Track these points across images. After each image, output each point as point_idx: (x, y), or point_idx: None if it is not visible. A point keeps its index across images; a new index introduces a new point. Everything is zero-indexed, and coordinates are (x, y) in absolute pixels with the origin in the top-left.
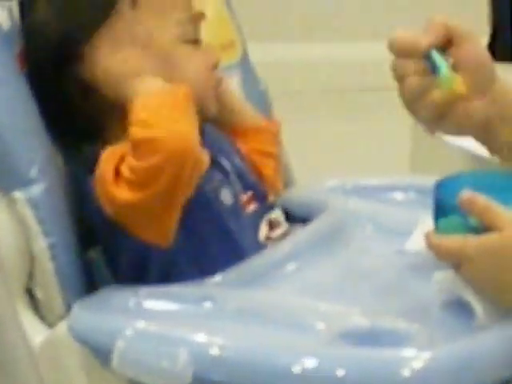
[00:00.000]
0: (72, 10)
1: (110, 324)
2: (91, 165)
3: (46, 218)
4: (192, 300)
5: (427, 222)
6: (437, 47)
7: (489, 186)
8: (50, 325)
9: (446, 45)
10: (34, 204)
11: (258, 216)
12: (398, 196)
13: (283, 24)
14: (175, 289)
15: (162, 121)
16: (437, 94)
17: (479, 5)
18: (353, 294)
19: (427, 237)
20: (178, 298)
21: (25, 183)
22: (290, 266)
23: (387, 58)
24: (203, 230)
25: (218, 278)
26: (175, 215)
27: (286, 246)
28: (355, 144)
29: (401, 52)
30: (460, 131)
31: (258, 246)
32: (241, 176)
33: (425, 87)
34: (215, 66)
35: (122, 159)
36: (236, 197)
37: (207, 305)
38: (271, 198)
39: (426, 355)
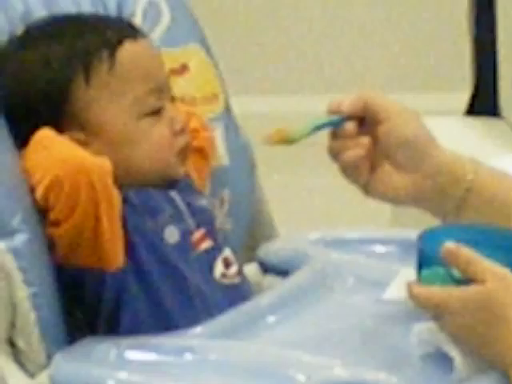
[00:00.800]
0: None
1: (91, 375)
2: None
3: (28, 268)
4: (173, 351)
5: (406, 273)
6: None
7: (472, 239)
8: (31, 375)
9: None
10: (16, 253)
11: (212, 254)
12: (379, 249)
13: (266, 77)
14: (156, 340)
15: (42, 167)
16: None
17: (461, 59)
18: (333, 346)
19: (409, 287)
20: (159, 349)
21: (7, 233)
22: (271, 318)
23: None
24: (150, 267)
25: (198, 329)
26: (108, 232)
27: (267, 298)
28: (336, 197)
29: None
30: (391, 200)
31: (214, 284)
32: (195, 213)
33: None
34: (181, 131)
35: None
36: (185, 235)
37: (188, 356)
38: (221, 237)
39: None
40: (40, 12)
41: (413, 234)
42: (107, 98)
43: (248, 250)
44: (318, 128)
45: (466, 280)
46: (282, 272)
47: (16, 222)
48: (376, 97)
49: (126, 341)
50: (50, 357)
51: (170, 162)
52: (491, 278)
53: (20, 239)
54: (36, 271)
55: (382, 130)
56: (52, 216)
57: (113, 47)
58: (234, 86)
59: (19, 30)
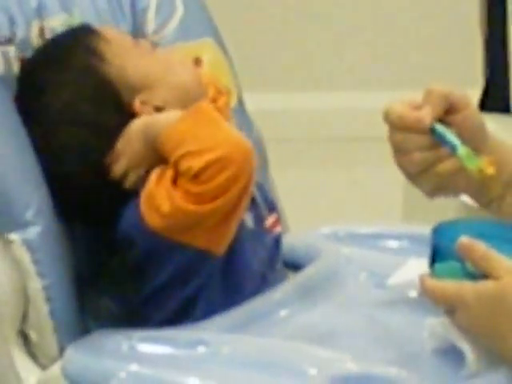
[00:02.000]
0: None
1: (103, 367)
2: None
3: (42, 260)
4: (185, 344)
5: (413, 262)
6: (438, 119)
7: (486, 233)
8: (44, 366)
9: (445, 113)
10: (29, 246)
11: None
12: (391, 244)
13: (274, 74)
14: (169, 332)
15: (210, 140)
16: (443, 167)
17: (473, 56)
18: (345, 340)
19: (422, 280)
20: (172, 342)
21: (21, 225)
22: (283, 312)
23: (377, 107)
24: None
25: (211, 322)
26: (236, 223)
27: (279, 293)
28: (349, 192)
29: (401, 127)
30: (457, 193)
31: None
32: (266, 198)
33: (430, 162)
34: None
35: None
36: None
37: (200, 349)
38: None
39: None
40: (54, 5)
41: (425, 229)
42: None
43: None
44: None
45: (481, 275)
46: (295, 266)
47: (30, 214)
48: (445, 89)
49: (138, 333)
50: (62, 349)
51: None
52: (506, 273)
53: (34, 231)
54: (49, 263)
55: (461, 118)
56: (199, 189)
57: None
58: (249, 82)
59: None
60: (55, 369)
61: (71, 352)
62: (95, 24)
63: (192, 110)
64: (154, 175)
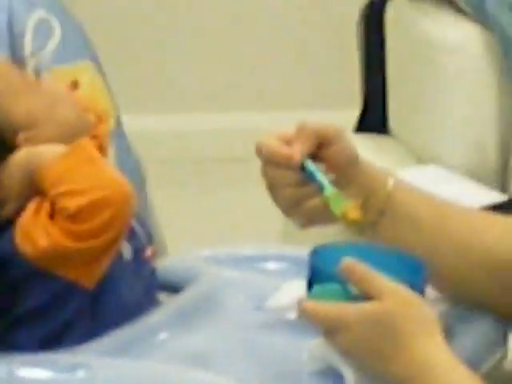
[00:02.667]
0: None
1: None
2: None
3: None
4: (65, 368)
5: (290, 284)
6: (310, 155)
7: (364, 257)
8: None
9: (318, 148)
10: None
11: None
12: (271, 266)
13: (155, 95)
14: (49, 356)
15: (89, 180)
16: (313, 203)
17: (351, 78)
18: (224, 363)
19: (300, 302)
20: (52, 366)
21: None
22: (162, 335)
23: (258, 127)
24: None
25: (91, 345)
26: (111, 259)
27: (159, 316)
28: (229, 213)
29: (273, 163)
30: (330, 223)
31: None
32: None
33: (300, 198)
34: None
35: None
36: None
37: (80, 373)
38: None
39: None
40: None
41: (304, 251)
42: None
43: None
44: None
45: (363, 297)
46: (174, 289)
47: None
48: (317, 123)
49: (17, 358)
50: None
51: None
52: (389, 294)
53: None
54: None
55: (334, 152)
56: (76, 228)
57: None
58: (127, 104)
59: None
60: None
61: None
62: None
63: (73, 147)
64: (30, 207)
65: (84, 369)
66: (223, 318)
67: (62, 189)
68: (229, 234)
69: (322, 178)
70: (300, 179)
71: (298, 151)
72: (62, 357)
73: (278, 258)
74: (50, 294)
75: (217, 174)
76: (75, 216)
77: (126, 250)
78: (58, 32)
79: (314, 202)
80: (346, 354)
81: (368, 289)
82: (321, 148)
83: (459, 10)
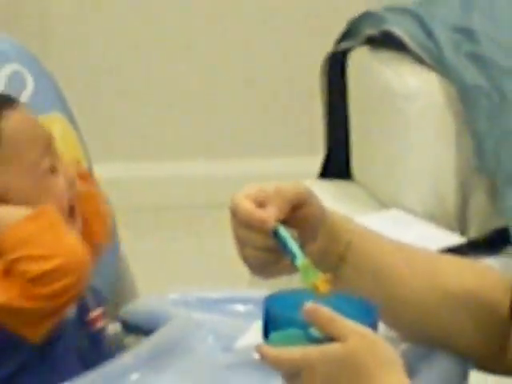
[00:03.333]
0: None
1: None
2: None
3: None
4: None
5: (259, 326)
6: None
7: (319, 301)
8: None
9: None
10: None
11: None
12: (238, 308)
13: (122, 144)
14: None
15: (49, 247)
16: (282, 268)
17: (315, 126)
18: None
19: (260, 349)
20: None
21: None
22: (134, 376)
23: (225, 175)
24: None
25: None
26: (59, 318)
27: (130, 357)
28: (198, 258)
29: (246, 225)
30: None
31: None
32: (95, 291)
33: (268, 261)
34: (73, 182)
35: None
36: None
37: None
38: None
39: None
40: None
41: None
42: (5, 172)
43: (111, 308)
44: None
45: (326, 338)
46: (144, 331)
47: None
48: (293, 188)
49: None
50: None
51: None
52: (353, 335)
53: None
54: None
55: (304, 213)
56: (34, 291)
57: None
58: (98, 153)
59: None
60: None
61: None
62: None
63: (36, 212)
64: None
65: None
66: (193, 359)
67: (22, 253)
68: (196, 278)
69: (294, 246)
70: (271, 244)
71: (272, 216)
72: None
73: (245, 300)
74: None
75: (185, 220)
76: (36, 280)
77: (71, 310)
78: (30, 85)
79: (283, 265)
80: None
81: (332, 330)
82: (293, 210)
83: (418, 60)
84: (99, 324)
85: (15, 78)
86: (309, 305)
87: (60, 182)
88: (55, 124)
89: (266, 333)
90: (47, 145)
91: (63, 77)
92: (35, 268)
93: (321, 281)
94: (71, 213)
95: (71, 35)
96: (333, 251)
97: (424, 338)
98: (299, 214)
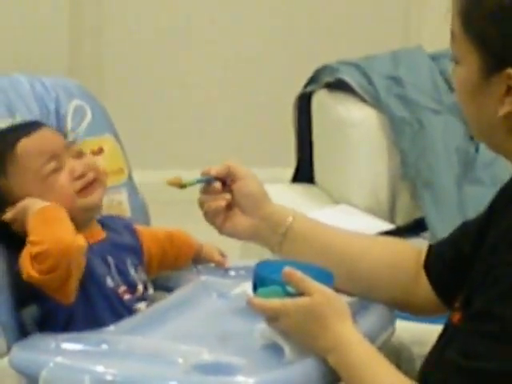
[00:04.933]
0: None
1: (38, 359)
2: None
3: None
4: (94, 343)
5: (247, 284)
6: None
7: (294, 267)
8: None
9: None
10: None
11: (131, 304)
12: (232, 273)
13: (159, 154)
14: (83, 335)
15: (41, 236)
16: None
17: (289, 139)
18: (203, 338)
19: (250, 300)
20: (85, 341)
21: None
22: (161, 320)
23: None
24: (96, 299)
25: (111, 327)
26: (73, 285)
27: (157, 307)
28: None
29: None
30: (236, 237)
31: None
32: (121, 272)
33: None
34: (80, 175)
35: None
36: (116, 286)
37: (104, 346)
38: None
39: (252, 380)
40: (2, 111)
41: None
42: (19, 180)
43: None
44: (198, 182)
45: (298, 294)
46: (169, 289)
47: None
48: (235, 164)
49: (62, 336)
50: (9, 347)
51: (73, 199)
52: (317, 292)
53: None
54: None
55: (236, 187)
56: (36, 267)
57: (12, 145)
58: (135, 162)
59: None
60: (4, 362)
61: (15, 349)
62: None
63: (39, 209)
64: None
65: (106, 343)
66: (202, 308)
67: (29, 238)
68: None
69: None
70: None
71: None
72: (93, 335)
73: (237, 268)
74: (45, 308)
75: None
76: (34, 259)
77: (109, 282)
78: (89, 114)
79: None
80: (286, 333)
81: (302, 288)
82: (232, 183)
83: (361, 99)
84: (126, 296)
85: (78, 110)
86: (287, 268)
87: (61, 178)
88: (106, 143)
89: (255, 289)
90: (53, 152)
91: (112, 108)
92: (33, 250)
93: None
94: (87, 187)
95: (122, 75)
96: (277, 232)
97: (358, 291)
98: (236, 187)
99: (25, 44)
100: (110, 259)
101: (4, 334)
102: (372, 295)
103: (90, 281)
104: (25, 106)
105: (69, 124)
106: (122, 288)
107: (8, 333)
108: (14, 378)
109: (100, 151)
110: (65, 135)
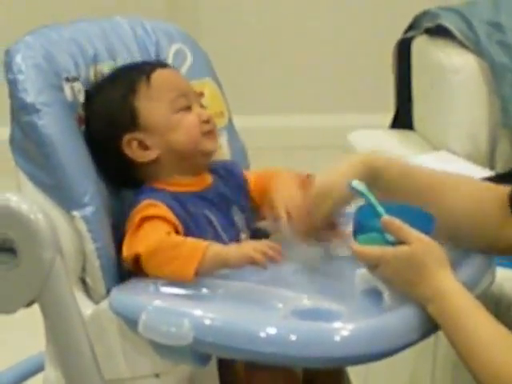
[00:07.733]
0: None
1: (137, 302)
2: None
3: (94, 230)
4: (193, 287)
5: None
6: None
7: (394, 212)
8: (96, 302)
9: None
10: (86, 220)
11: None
12: None
13: (256, 100)
14: None
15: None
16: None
17: (387, 90)
18: (302, 284)
19: (352, 246)
20: (183, 286)
21: (80, 206)
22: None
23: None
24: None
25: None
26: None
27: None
28: None
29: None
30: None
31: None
32: (225, 223)
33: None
34: (207, 121)
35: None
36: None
37: (204, 290)
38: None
39: (350, 326)
40: (104, 54)
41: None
42: (149, 105)
43: None
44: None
45: (397, 242)
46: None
47: (87, 198)
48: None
49: (160, 280)
50: (108, 290)
51: (199, 140)
52: (416, 241)
53: (89, 210)
54: (99, 232)
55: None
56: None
57: (148, 73)
58: (235, 107)
59: (91, 67)
60: (104, 304)
61: (115, 292)
62: None
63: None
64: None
65: (206, 287)
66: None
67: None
68: None
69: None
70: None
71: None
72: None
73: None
74: None
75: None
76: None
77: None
78: (189, 58)
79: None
80: (385, 280)
81: (401, 237)
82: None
83: (462, 45)
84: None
85: (179, 54)
86: (385, 217)
87: (190, 118)
88: (206, 86)
89: (355, 235)
90: (184, 91)
91: (213, 52)
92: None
93: None
94: (212, 132)
95: (219, 22)
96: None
97: (454, 239)
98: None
99: None
100: (214, 209)
101: (104, 277)
102: (459, 232)
103: (192, 232)
104: (126, 50)
105: None
106: (224, 236)
107: (108, 276)
108: (113, 320)
109: (201, 95)
110: None
